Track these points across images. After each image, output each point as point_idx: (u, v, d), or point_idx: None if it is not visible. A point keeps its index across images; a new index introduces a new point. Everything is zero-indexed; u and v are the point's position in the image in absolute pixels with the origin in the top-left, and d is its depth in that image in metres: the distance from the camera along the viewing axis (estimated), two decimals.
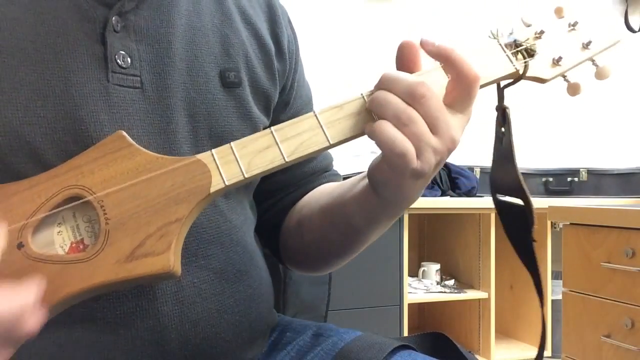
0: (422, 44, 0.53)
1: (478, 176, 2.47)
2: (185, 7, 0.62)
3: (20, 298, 0.43)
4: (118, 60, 0.56)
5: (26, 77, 0.53)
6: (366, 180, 0.59)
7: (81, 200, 0.49)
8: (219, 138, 0.61)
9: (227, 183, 0.50)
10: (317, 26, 2.49)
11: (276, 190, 0.75)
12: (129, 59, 0.57)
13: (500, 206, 0.61)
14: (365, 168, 0.59)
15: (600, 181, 2.51)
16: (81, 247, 0.49)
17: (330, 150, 0.81)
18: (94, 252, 0.48)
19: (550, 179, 2.53)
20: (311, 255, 0.73)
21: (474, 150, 2.57)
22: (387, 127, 0.50)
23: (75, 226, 0.50)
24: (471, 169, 2.48)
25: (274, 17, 0.71)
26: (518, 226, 0.59)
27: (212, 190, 0.50)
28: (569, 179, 2.52)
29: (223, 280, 0.60)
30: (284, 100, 0.72)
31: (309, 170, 0.75)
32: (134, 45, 0.57)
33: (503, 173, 0.59)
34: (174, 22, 0.60)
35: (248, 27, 0.67)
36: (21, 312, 0.43)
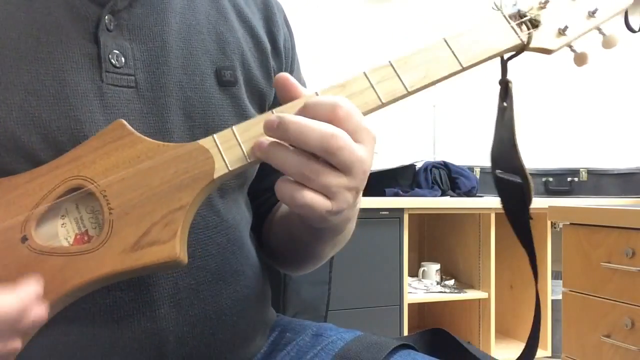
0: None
1: (478, 176, 2.47)
2: (180, 5, 0.62)
3: (21, 293, 0.44)
4: (112, 60, 0.56)
5: (20, 76, 0.52)
6: None
7: (83, 190, 0.49)
8: None
9: (230, 168, 0.49)
10: (317, 26, 2.49)
11: (269, 189, 0.74)
12: (122, 59, 0.56)
13: (498, 182, 0.61)
14: None
15: (600, 181, 2.51)
16: (86, 238, 0.49)
17: None
18: (99, 243, 0.47)
19: (550, 179, 2.53)
20: (279, 255, 0.74)
21: (474, 150, 2.57)
22: (284, 185, 0.48)
23: (78, 218, 0.49)
24: (471, 169, 2.48)
25: (269, 14, 0.70)
26: (515, 202, 0.59)
27: (216, 175, 0.49)
28: (569, 179, 2.52)
29: (220, 280, 0.60)
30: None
31: None
32: (127, 45, 0.57)
33: (503, 148, 0.59)
34: (168, 20, 0.60)
35: (243, 25, 0.67)
36: (23, 307, 0.43)
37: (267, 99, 0.68)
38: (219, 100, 0.62)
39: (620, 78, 2.80)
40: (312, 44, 2.38)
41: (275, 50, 0.69)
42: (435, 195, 2.28)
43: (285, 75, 0.51)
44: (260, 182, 0.72)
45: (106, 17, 0.56)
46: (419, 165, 2.36)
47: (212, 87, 0.61)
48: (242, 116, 0.63)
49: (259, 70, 0.67)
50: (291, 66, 0.73)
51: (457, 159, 2.43)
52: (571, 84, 2.76)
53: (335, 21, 2.56)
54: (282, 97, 0.52)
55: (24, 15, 0.54)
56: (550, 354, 2.40)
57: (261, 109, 0.67)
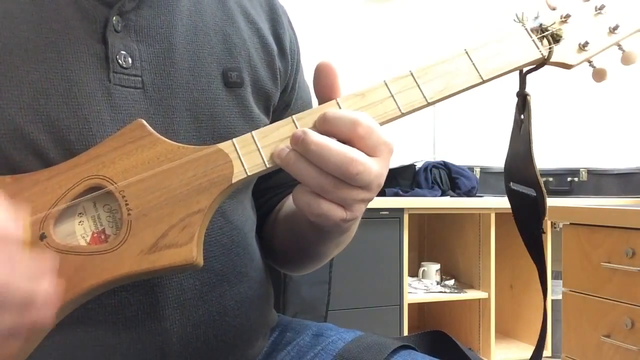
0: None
1: (478, 176, 2.48)
2: (187, 7, 0.62)
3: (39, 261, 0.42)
4: (119, 61, 0.56)
5: (29, 75, 0.52)
6: None
7: (103, 191, 0.49)
8: (222, 139, 0.60)
9: (249, 173, 0.49)
10: (317, 26, 2.49)
11: (273, 187, 0.75)
12: (129, 60, 0.56)
13: (512, 194, 0.60)
14: None
15: (600, 181, 2.51)
16: (103, 237, 0.49)
17: None
18: (117, 243, 0.47)
19: (550, 179, 2.53)
20: (281, 255, 0.73)
21: (474, 150, 2.58)
22: (301, 194, 0.49)
23: (96, 216, 0.49)
24: (471, 169, 2.48)
25: (275, 16, 0.70)
26: (528, 216, 0.58)
27: (234, 180, 0.49)
28: (569, 179, 2.52)
29: (224, 282, 0.60)
30: (285, 101, 0.71)
31: None
32: (134, 46, 0.57)
33: (518, 161, 0.58)
34: (175, 21, 0.60)
35: (250, 26, 0.67)
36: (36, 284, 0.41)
37: (272, 100, 0.68)
38: (225, 101, 0.62)
39: (620, 78, 2.79)
40: (312, 44, 2.38)
41: (282, 51, 0.69)
42: (435, 195, 2.28)
43: (331, 65, 0.52)
44: (263, 181, 0.71)
45: (114, 18, 0.56)
46: (419, 165, 2.37)
47: (219, 89, 0.61)
48: (248, 117, 0.63)
49: (265, 71, 0.67)
50: (297, 68, 0.73)
51: (457, 159, 2.43)
52: (571, 85, 2.76)
53: (336, 21, 2.56)
54: (319, 86, 0.52)
55: (33, 15, 0.54)
56: (550, 354, 2.40)
57: (266, 110, 0.67)
